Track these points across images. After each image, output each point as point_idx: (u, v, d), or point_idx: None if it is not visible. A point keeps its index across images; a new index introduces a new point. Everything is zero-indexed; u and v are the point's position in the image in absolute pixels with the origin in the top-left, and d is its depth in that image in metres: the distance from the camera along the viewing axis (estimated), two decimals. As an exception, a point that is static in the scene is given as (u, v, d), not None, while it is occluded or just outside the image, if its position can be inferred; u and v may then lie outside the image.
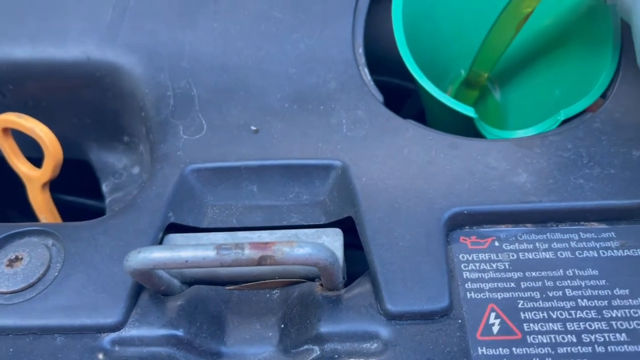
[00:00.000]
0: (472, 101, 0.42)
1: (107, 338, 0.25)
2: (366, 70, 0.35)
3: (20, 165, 0.36)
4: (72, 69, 0.36)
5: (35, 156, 0.36)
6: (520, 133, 0.33)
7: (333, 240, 0.28)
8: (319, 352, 0.25)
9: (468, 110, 0.32)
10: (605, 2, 0.29)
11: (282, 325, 0.26)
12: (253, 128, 0.32)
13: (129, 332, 0.25)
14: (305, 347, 0.25)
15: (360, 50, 0.35)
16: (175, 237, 0.29)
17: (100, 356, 0.25)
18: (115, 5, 0.36)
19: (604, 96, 0.33)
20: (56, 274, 0.27)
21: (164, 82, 0.34)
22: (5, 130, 0.35)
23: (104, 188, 0.38)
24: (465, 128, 0.34)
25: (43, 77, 0.36)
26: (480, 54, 0.39)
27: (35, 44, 0.36)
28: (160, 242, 0.28)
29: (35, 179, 0.36)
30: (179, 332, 0.25)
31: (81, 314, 0.26)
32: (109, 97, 0.36)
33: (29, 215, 0.38)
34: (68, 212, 0.40)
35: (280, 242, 0.22)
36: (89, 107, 0.37)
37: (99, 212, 0.40)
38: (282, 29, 0.35)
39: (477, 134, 0.34)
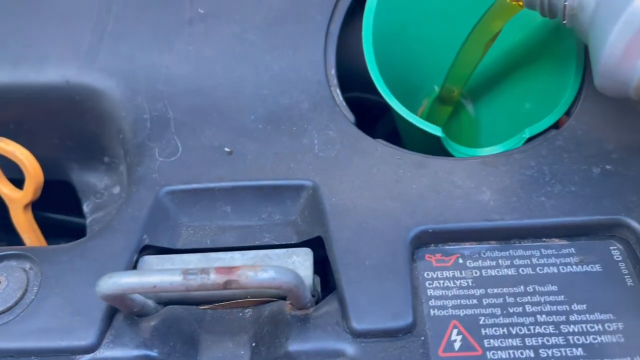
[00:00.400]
0: (446, 117, 0.43)
1: (82, 360, 0.26)
2: (338, 90, 0.36)
3: (2, 187, 0.37)
4: (52, 93, 0.37)
5: (17, 177, 0.37)
6: (487, 151, 0.34)
7: (303, 260, 0.29)
8: (287, 370, 0.26)
9: (435, 130, 0.33)
10: (564, 25, 0.30)
11: (253, 344, 0.27)
12: (227, 150, 0.33)
13: (103, 353, 0.26)
14: (275, 365, 0.26)
15: (333, 71, 0.36)
16: (149, 259, 0.29)
17: (75, 378, 0.26)
18: (94, 30, 0.37)
19: (568, 113, 0.34)
20: (33, 297, 0.28)
21: (141, 105, 0.35)
22: (-13, 153, 0.36)
23: (85, 208, 0.39)
24: (435, 145, 0.35)
25: (24, 101, 0.37)
26: (451, 72, 0.40)
27: (16, 68, 0.37)
28: (135, 264, 0.29)
29: (17, 201, 0.37)
30: (153, 353, 0.26)
31: (56, 336, 0.26)
32: (89, 120, 0.37)
33: (13, 233, 0.39)
34: (52, 230, 0.41)
35: (244, 267, 0.23)
36: (69, 129, 0.38)
37: (82, 230, 0.41)
38: (256, 52, 0.36)
39: (446, 152, 0.35)
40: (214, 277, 0.23)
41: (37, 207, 0.39)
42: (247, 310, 0.29)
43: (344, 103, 0.35)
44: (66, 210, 0.47)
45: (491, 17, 0.37)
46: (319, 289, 0.30)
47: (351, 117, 0.35)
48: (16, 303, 0.28)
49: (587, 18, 0.28)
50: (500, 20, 0.37)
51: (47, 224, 0.41)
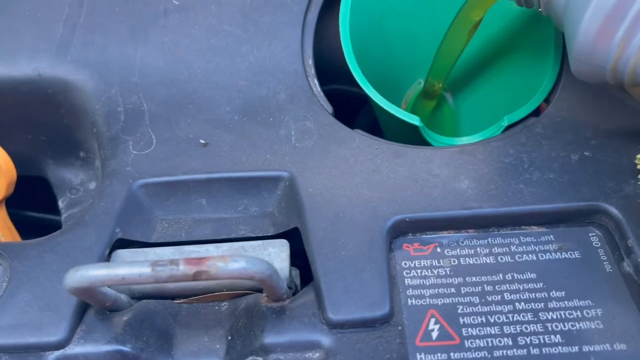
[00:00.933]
0: (429, 110, 0.43)
1: (51, 356, 0.25)
2: (316, 81, 0.35)
3: (-26, 183, 0.36)
4: (24, 86, 0.36)
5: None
6: (465, 140, 0.34)
7: (279, 252, 0.29)
8: (262, 363, 0.25)
9: (413, 119, 0.33)
10: (540, 12, 0.30)
11: (229, 337, 0.27)
12: (202, 141, 0.33)
13: (73, 349, 0.26)
14: (250, 358, 0.26)
15: (310, 61, 0.36)
16: (122, 253, 0.29)
17: (45, 374, 0.25)
18: (66, 22, 0.37)
19: (547, 101, 0.34)
20: (1, 293, 0.27)
21: (114, 97, 0.35)
22: (-43, 149, 0.35)
23: (61, 204, 0.38)
24: (414, 135, 0.34)
25: (-5, 95, 0.36)
26: (434, 65, 0.39)
27: (-14, 62, 0.36)
28: (108, 258, 0.29)
29: (-11, 197, 0.36)
30: (125, 348, 0.26)
31: (26, 332, 0.26)
32: (62, 114, 0.37)
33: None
34: (28, 228, 0.40)
35: (214, 257, 0.23)
36: (43, 123, 0.37)
37: (58, 227, 0.40)
38: (232, 42, 0.36)
39: (425, 142, 0.34)
40: (183, 268, 0.23)
41: (12, 204, 0.38)
42: (223, 304, 0.28)
43: (322, 94, 0.35)
44: (42, 207, 0.46)
45: (470, 7, 0.36)
46: (297, 281, 0.30)
47: (329, 107, 0.34)
48: (-16, 299, 0.27)
49: (561, 4, 0.28)
50: (480, 9, 0.36)
51: (22, 221, 0.41)
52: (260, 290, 0.28)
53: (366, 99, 0.46)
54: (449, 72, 0.40)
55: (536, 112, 0.34)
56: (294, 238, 0.30)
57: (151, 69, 0.35)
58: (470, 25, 0.37)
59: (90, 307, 0.27)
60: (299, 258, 0.30)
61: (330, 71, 0.40)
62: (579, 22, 0.26)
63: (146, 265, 0.23)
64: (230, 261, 0.23)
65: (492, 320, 0.26)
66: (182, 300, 0.28)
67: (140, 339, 0.26)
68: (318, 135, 0.33)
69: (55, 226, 0.46)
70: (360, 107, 0.47)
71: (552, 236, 0.28)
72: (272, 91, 0.35)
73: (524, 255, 0.28)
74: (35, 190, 0.42)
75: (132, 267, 0.23)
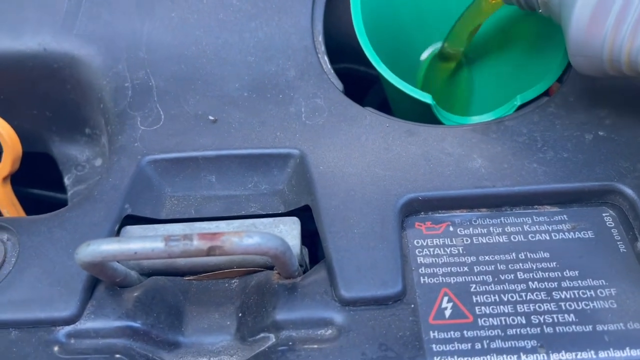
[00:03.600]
0: (446, 74, 0.42)
1: (62, 331, 0.25)
2: (326, 58, 0.35)
3: (-21, 159, 0.36)
4: (29, 61, 0.35)
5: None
6: (477, 119, 0.33)
7: (290, 229, 0.28)
8: (274, 340, 0.25)
9: (425, 97, 0.32)
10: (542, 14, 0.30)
11: (240, 314, 0.27)
12: (211, 118, 0.32)
13: (84, 324, 0.25)
14: (262, 335, 0.26)
15: (320, 38, 0.35)
16: (132, 229, 0.29)
17: (56, 349, 0.25)
18: (72, -5, 0.36)
19: (560, 80, 0.34)
20: (11, 268, 0.27)
21: (122, 72, 0.34)
22: (-38, 124, 0.35)
23: (67, 181, 0.38)
24: (425, 114, 0.34)
25: (0, 69, 0.36)
26: (455, 28, 0.38)
27: (-9, 36, 0.36)
28: (117, 234, 0.28)
29: (-5, 173, 0.36)
30: (135, 324, 0.26)
31: (36, 307, 0.26)
32: (68, 89, 0.36)
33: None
34: (33, 206, 0.40)
35: (228, 233, 0.22)
36: (48, 99, 0.37)
37: (64, 204, 0.40)
38: (241, 18, 0.35)
39: (436, 121, 0.34)
40: (197, 244, 0.22)
41: (17, 182, 0.38)
42: (233, 281, 0.28)
43: (332, 71, 0.34)
44: (47, 185, 0.46)
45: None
46: (307, 260, 0.29)
47: (339, 85, 0.34)
48: (-7, 274, 0.27)
49: (556, 2, 0.28)
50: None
51: (27, 199, 0.40)
52: (270, 268, 0.28)
53: (375, 79, 0.46)
54: (469, 40, 0.39)
55: (547, 93, 0.34)
56: (303, 218, 0.30)
57: (159, 45, 0.35)
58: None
59: (100, 282, 0.27)
60: (305, 237, 0.29)
61: (340, 50, 0.39)
62: (571, 15, 0.26)
63: (159, 240, 0.22)
64: (244, 237, 0.22)
65: (505, 299, 0.25)
66: (191, 277, 0.28)
67: (150, 315, 0.26)
68: (329, 113, 0.32)
69: (60, 204, 0.46)
70: (369, 87, 0.46)
71: (565, 216, 0.28)
72: (281, 68, 0.34)
73: (537, 234, 0.28)
74: (40, 168, 0.42)
75: (145, 241, 0.22)
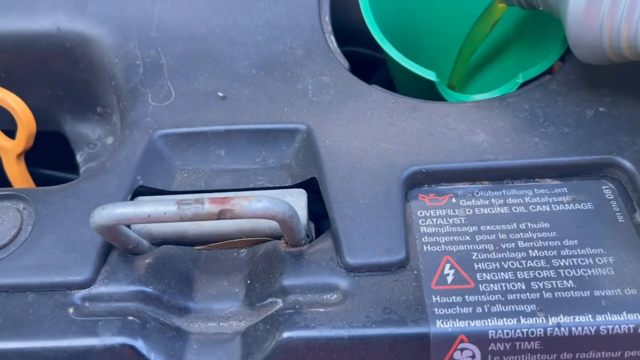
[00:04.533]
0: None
1: (77, 295, 0.26)
2: (332, 37, 0.35)
3: (-6, 136, 0.37)
4: (43, 41, 0.36)
5: (9, 128, 0.37)
6: (480, 97, 0.34)
7: (297, 200, 0.29)
8: (282, 304, 0.26)
9: (429, 74, 0.33)
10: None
11: (248, 282, 0.28)
12: (220, 94, 0.33)
13: (98, 288, 0.26)
14: (269, 300, 0.26)
15: (327, 17, 0.36)
16: (144, 199, 0.29)
17: (71, 311, 0.26)
18: (84, -24, 0.37)
19: (562, 59, 0.34)
20: (27, 235, 0.28)
21: (133, 51, 0.35)
22: (-22, 101, 0.36)
23: (79, 158, 0.39)
24: (430, 92, 0.34)
25: (14, 49, 0.37)
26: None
27: (5, 15, 0.36)
28: (130, 204, 0.29)
29: (9, 150, 0.37)
30: (147, 289, 0.26)
31: (52, 272, 0.27)
32: (81, 68, 0.37)
33: (6, 186, 0.39)
34: (44, 184, 0.41)
35: (238, 197, 0.23)
36: (61, 78, 0.38)
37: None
38: (249, -2, 0.36)
39: (440, 99, 0.35)
40: (208, 207, 0.23)
41: (30, 162, 0.39)
42: (241, 250, 0.29)
43: (339, 50, 0.35)
44: (60, 165, 0.47)
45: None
46: (313, 234, 0.30)
47: (345, 63, 0.34)
48: (10, 241, 0.28)
49: None
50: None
51: (40, 179, 0.41)
52: (278, 238, 0.29)
53: (380, 62, 0.47)
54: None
55: (549, 73, 0.34)
56: (309, 191, 0.30)
57: (169, 24, 0.36)
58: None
59: (113, 249, 0.28)
60: (312, 216, 0.30)
61: (345, 32, 0.40)
62: (567, 7, 0.27)
63: (172, 204, 0.23)
64: (254, 201, 0.23)
65: (505, 266, 0.26)
66: (201, 247, 0.29)
67: (162, 281, 0.27)
68: (335, 90, 0.33)
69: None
70: (373, 70, 0.47)
71: (565, 188, 0.29)
72: (289, 46, 0.35)
73: (538, 206, 0.28)
74: (51, 148, 0.43)
75: (158, 205, 0.23)
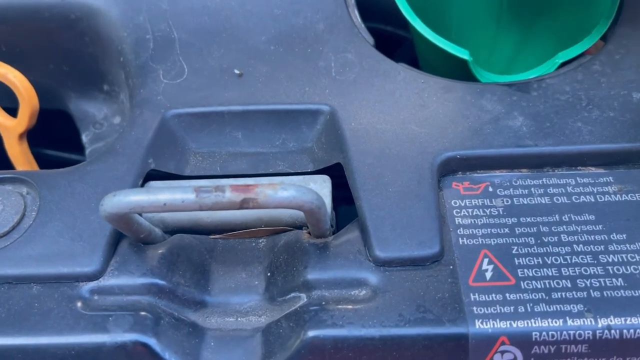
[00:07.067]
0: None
1: (86, 287, 0.24)
2: (356, 11, 0.33)
3: (-6, 114, 0.35)
4: (46, 12, 0.34)
5: (11, 106, 0.35)
6: (516, 77, 0.32)
7: (321, 187, 0.27)
8: (306, 300, 0.24)
9: (462, 53, 0.31)
10: None
11: (269, 274, 0.26)
12: (237, 72, 0.31)
13: (107, 281, 0.24)
14: (292, 294, 0.24)
15: (351, -10, 0.33)
16: (156, 184, 0.27)
17: (79, 305, 0.24)
18: (90, -57, 0.34)
19: (603, 38, 0.32)
20: (31, 222, 0.26)
21: (142, 24, 0.33)
22: (-23, 76, 0.34)
23: (84, 138, 0.37)
24: (461, 73, 0.32)
25: (15, 20, 0.34)
26: None
27: (6, -16, 0.34)
28: (141, 190, 0.27)
29: (11, 129, 0.35)
30: (161, 281, 0.25)
31: (58, 262, 0.25)
32: (86, 42, 0.35)
33: (7, 167, 0.37)
34: (49, 167, 0.39)
35: (262, 185, 0.21)
36: (65, 52, 0.35)
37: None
38: (267, -33, 0.33)
39: (472, 80, 0.32)
40: (229, 195, 0.21)
41: (34, 142, 0.36)
42: (260, 240, 0.27)
43: (363, 25, 0.33)
44: (64, 146, 0.45)
45: None
46: (334, 224, 0.28)
47: (370, 39, 0.32)
48: (13, 228, 0.26)
49: None
50: None
51: (43, 160, 0.39)
52: (299, 227, 0.27)
53: (402, 39, 0.44)
54: None
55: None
56: (331, 178, 0.28)
57: (181, -5, 0.33)
58: None
59: (124, 238, 0.26)
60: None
61: (365, 7, 0.37)
62: None
63: (190, 191, 0.21)
64: (279, 189, 0.21)
65: (549, 262, 0.24)
66: (217, 236, 0.27)
67: (176, 273, 0.25)
68: (360, 68, 0.31)
69: (74, 164, 0.45)
70: (395, 48, 0.44)
71: (611, 177, 0.27)
72: (309, 21, 0.32)
73: (582, 196, 0.26)
74: (54, 127, 0.40)
75: (175, 192, 0.21)
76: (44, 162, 0.38)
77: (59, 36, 0.34)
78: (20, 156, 0.36)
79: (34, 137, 0.36)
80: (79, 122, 0.38)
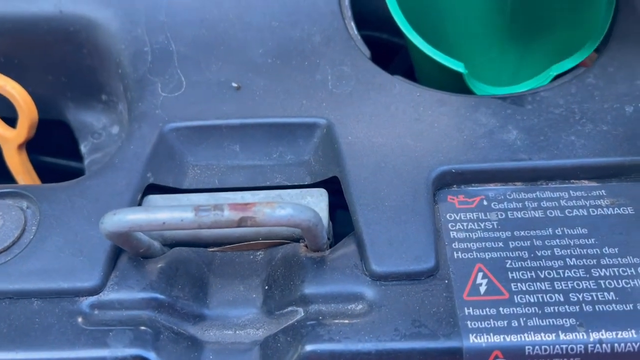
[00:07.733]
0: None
1: (86, 302, 0.25)
2: (353, 23, 0.33)
3: (-6, 125, 0.35)
4: (45, 24, 0.34)
5: (10, 116, 0.35)
6: (511, 89, 0.32)
7: (318, 201, 0.28)
8: (303, 314, 0.24)
9: (457, 66, 0.31)
10: None
11: (266, 287, 0.26)
12: (234, 85, 0.31)
13: (108, 295, 0.25)
14: (290, 308, 0.25)
15: (347, 2, 0.34)
16: (154, 198, 0.28)
17: (80, 320, 0.24)
18: (88, -45, 0.34)
19: (597, 51, 0.32)
20: (31, 237, 0.26)
21: (140, 37, 0.33)
22: (-24, 88, 0.34)
23: (83, 149, 0.37)
24: (456, 84, 0.32)
25: (14, 32, 0.34)
26: None
27: (5, -3, 0.34)
28: (139, 204, 0.27)
29: (10, 140, 0.35)
30: (160, 295, 0.25)
31: (58, 277, 0.25)
32: (85, 54, 0.35)
33: (7, 177, 0.37)
34: (48, 174, 0.39)
35: (260, 203, 0.22)
36: (64, 64, 0.36)
37: (79, 174, 0.39)
38: (264, -20, 0.34)
39: (467, 92, 0.33)
40: (228, 214, 0.21)
41: (32, 150, 0.37)
42: (258, 253, 0.27)
43: (359, 37, 0.33)
44: (63, 154, 0.45)
45: None
46: (331, 235, 0.29)
47: (367, 51, 0.32)
48: (13, 243, 0.26)
49: None
50: None
51: (42, 168, 0.39)
52: (296, 240, 0.27)
53: (398, 48, 0.44)
54: None
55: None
56: (328, 188, 0.29)
57: (179, 7, 0.33)
58: None
59: (123, 253, 0.26)
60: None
61: (362, 16, 0.38)
62: None
63: (189, 210, 0.21)
64: (277, 207, 0.22)
65: (542, 276, 0.25)
66: (215, 249, 0.28)
67: (175, 287, 0.25)
68: (356, 81, 0.31)
69: (75, 172, 0.45)
70: (392, 56, 0.45)
71: (603, 191, 0.27)
72: (306, 33, 0.33)
73: (575, 209, 0.27)
74: (54, 136, 0.41)
75: (174, 211, 0.21)
76: (42, 170, 0.38)
77: (58, 48, 0.35)
78: (20, 166, 0.36)
79: (33, 145, 0.36)
80: (77, 132, 0.38)
